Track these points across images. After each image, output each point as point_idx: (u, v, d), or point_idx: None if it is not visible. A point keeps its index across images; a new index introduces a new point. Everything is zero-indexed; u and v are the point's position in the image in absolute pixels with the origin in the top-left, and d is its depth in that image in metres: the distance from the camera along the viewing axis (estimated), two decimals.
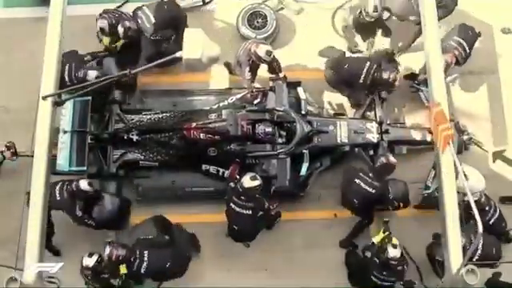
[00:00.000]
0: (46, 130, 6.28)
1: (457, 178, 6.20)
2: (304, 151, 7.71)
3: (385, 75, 7.76)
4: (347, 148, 7.89)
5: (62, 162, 7.54)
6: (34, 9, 9.09)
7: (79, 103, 7.72)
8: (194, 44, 5.32)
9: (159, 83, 8.61)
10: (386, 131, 8.00)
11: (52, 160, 6.85)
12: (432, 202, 7.44)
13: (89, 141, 7.67)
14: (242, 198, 6.98)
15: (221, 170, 7.88)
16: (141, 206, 8.09)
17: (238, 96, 8.04)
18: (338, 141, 7.86)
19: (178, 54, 5.35)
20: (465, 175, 7.84)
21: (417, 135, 8.07)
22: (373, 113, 8.24)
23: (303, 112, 7.92)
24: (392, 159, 7.37)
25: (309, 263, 7.93)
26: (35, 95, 6.45)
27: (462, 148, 8.02)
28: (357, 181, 7.19)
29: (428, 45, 6.76)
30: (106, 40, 8.34)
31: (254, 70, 7.97)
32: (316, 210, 8.26)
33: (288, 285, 7.81)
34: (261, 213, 7.20)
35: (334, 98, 8.62)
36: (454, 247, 5.91)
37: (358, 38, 8.95)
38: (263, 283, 7.76)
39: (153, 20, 8.05)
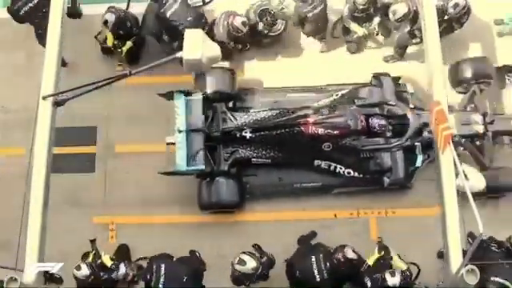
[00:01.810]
0: (46, 130, 6.26)
1: (457, 177, 6.19)
2: (416, 144, 7.82)
3: None
4: (456, 139, 7.83)
5: (180, 162, 7.57)
6: None
7: (191, 102, 7.78)
8: (194, 44, 5.32)
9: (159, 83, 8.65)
10: (491, 122, 8.06)
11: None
12: None
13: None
14: (254, 279, 7.07)
15: (332, 165, 7.93)
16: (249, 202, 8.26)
17: (344, 91, 8.11)
18: None
19: (178, 55, 5.35)
20: (465, 175, 7.91)
21: None
22: (473, 105, 8.29)
23: (411, 106, 8.00)
24: (350, 254, 6.97)
25: None
26: (35, 95, 6.45)
27: None
28: (312, 258, 7.07)
29: (428, 45, 6.75)
30: (111, 39, 8.35)
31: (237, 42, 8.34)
32: (316, 210, 8.27)
33: (288, 285, 7.80)
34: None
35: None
36: (454, 247, 5.90)
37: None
38: (263, 283, 7.75)
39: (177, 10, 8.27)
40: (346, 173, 7.98)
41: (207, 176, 7.93)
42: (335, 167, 7.94)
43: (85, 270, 6.93)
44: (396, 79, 8.29)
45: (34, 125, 6.32)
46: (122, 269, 7.23)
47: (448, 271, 5.91)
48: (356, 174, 7.98)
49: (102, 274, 7.13)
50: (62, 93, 6.43)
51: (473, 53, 8.88)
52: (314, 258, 7.02)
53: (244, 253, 7.01)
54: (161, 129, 8.67)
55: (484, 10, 8.85)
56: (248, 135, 7.81)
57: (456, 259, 5.82)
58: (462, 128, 7.91)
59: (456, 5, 7.95)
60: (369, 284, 6.93)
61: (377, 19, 8.48)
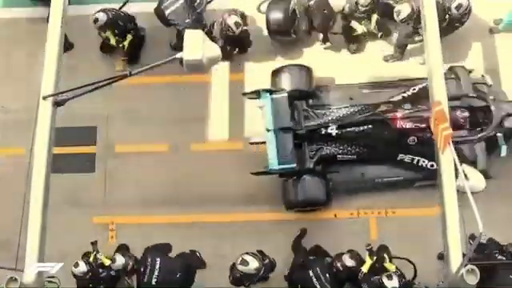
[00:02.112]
0: (45, 130, 6.26)
1: (457, 177, 6.19)
2: (498, 134, 7.78)
3: None
4: None
5: (272, 161, 7.61)
6: (34, 9, 9.10)
7: (276, 100, 7.80)
8: (195, 45, 5.32)
9: (158, 82, 8.66)
10: None
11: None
12: None
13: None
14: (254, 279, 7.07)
15: (416, 158, 7.96)
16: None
17: (421, 86, 8.03)
18: None
19: (178, 55, 5.35)
20: (465, 175, 7.91)
21: None
22: None
23: (491, 97, 7.97)
24: (349, 262, 7.06)
25: None
26: (35, 95, 6.45)
27: None
28: (310, 273, 7.10)
29: (428, 45, 6.74)
30: (112, 38, 8.37)
31: (229, 44, 8.25)
32: (316, 211, 8.26)
33: (287, 285, 7.81)
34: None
35: None
36: (454, 247, 5.91)
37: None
38: (263, 284, 7.76)
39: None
40: (429, 166, 7.94)
41: (292, 175, 7.93)
42: (418, 160, 7.95)
43: (82, 267, 6.95)
44: (469, 71, 8.26)
45: (34, 125, 6.33)
46: (120, 259, 7.15)
47: (448, 271, 5.91)
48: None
49: (100, 270, 7.13)
50: (62, 93, 6.43)
51: (473, 53, 8.89)
52: (311, 273, 7.07)
53: (247, 253, 7.01)
54: (161, 129, 8.71)
55: (484, 10, 8.84)
56: (334, 132, 7.82)
57: (456, 259, 5.82)
58: None
59: (459, 6, 7.95)
60: None
61: (375, 16, 8.47)
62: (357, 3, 8.27)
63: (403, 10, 8.01)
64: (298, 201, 7.97)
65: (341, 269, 6.97)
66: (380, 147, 7.94)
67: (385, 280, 6.74)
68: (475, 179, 8.03)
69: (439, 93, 6.54)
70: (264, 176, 7.85)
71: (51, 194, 6.31)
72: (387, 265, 7.07)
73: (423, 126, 7.61)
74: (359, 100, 8.13)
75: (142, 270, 6.99)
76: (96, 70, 8.48)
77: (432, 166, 7.90)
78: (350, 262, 6.97)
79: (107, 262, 7.22)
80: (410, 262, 7.30)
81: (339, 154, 7.97)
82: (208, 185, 8.38)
